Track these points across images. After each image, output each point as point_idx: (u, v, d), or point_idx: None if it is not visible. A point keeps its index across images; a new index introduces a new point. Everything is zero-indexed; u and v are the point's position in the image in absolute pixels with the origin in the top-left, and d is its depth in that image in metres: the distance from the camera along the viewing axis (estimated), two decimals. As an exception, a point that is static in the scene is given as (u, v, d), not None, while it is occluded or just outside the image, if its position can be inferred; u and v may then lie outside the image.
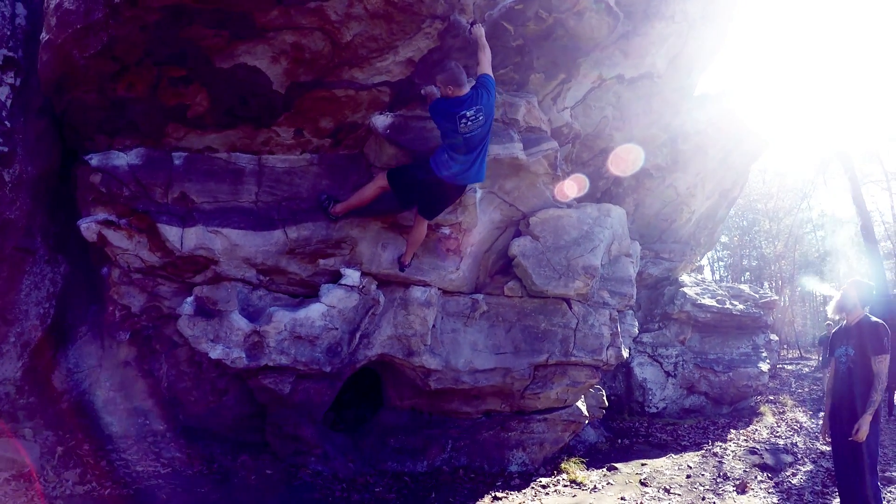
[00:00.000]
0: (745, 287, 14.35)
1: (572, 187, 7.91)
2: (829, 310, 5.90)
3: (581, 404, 8.00)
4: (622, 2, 7.11)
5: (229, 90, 5.79)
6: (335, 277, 6.64)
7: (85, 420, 6.63)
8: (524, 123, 6.90)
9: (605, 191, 9.63)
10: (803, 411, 12.28)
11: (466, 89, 5.57)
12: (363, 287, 6.60)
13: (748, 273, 28.29)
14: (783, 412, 12.19)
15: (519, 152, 6.66)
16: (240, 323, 6.27)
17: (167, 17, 5.09)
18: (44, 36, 5.50)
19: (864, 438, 5.09)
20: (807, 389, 15.62)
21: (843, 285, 5.87)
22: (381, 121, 6.24)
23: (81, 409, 6.72)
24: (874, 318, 5.47)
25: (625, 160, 9.08)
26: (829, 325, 14.34)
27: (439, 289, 7.01)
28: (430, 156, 5.86)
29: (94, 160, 5.98)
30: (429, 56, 5.80)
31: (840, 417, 5.42)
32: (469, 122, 5.52)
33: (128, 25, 5.06)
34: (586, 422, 8.14)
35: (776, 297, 14.38)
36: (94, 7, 5.01)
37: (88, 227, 6.08)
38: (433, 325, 6.95)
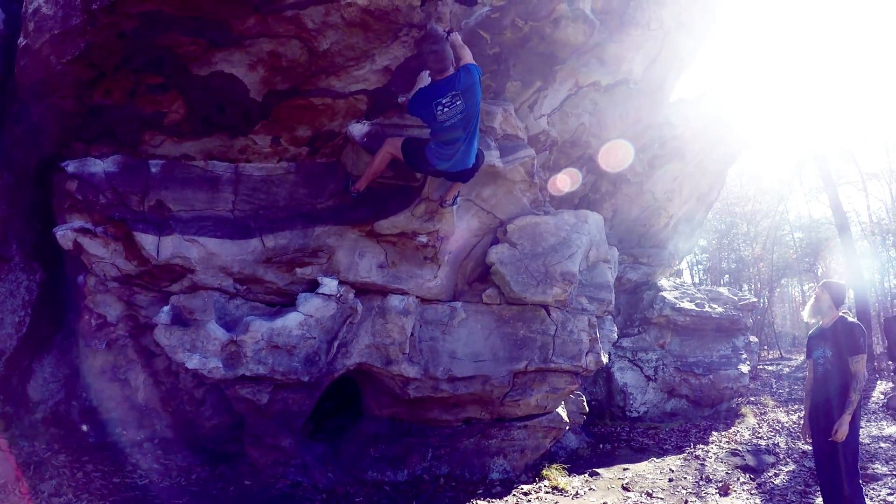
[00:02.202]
0: (723, 290, 14.44)
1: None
2: (805, 314, 5.97)
3: (561, 410, 8.02)
4: (598, 9, 7.17)
5: (206, 98, 5.78)
6: (312, 286, 6.61)
7: (61, 430, 6.57)
8: (501, 131, 6.91)
9: (582, 197, 9.68)
10: (784, 411, 12.38)
11: (445, 76, 5.46)
12: (340, 296, 6.58)
13: (727, 276, 28.54)
14: (764, 413, 12.29)
15: (496, 160, 6.67)
16: (217, 332, 6.22)
17: (145, 25, 5.08)
18: (21, 41, 5.46)
19: (844, 438, 5.17)
20: (787, 390, 15.75)
21: (816, 288, 5.95)
22: (358, 129, 6.22)
23: (58, 418, 6.67)
24: (850, 319, 5.56)
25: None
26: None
27: (417, 297, 7.00)
28: (425, 149, 5.76)
29: (71, 167, 5.94)
30: (405, 64, 5.79)
31: (820, 418, 5.49)
32: (445, 109, 5.41)
33: (105, 32, 5.05)
34: (567, 428, 8.16)
35: (755, 300, 14.52)
36: (71, 13, 5.00)
37: (64, 235, 6.02)
38: (411, 334, 6.93)
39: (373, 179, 6.21)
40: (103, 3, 4.90)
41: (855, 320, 5.61)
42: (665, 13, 8.08)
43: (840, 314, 5.61)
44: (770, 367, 20.80)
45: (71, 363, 6.86)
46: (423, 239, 6.67)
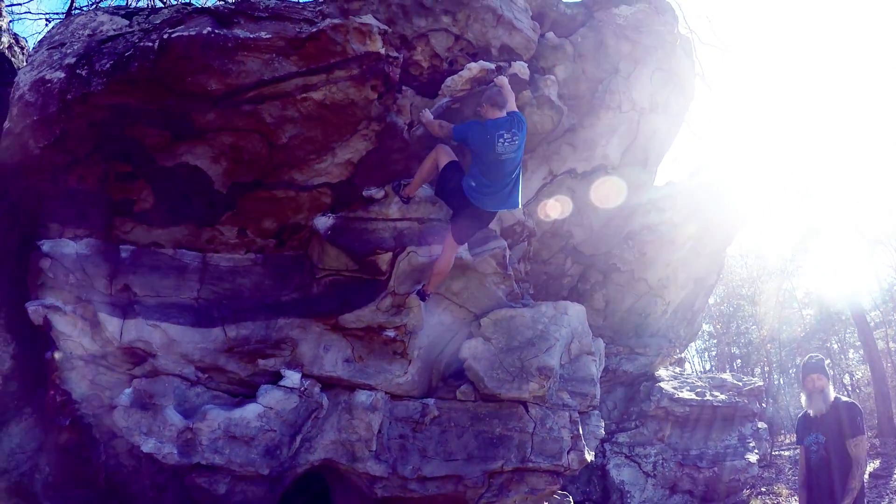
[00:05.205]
0: (727, 376, 13.93)
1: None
2: (803, 400, 5.44)
3: (545, 511, 7.60)
4: (567, 94, 7.16)
5: (172, 188, 5.97)
6: (276, 378, 6.45)
7: (24, 502, 6.48)
8: (471, 223, 6.79)
9: (571, 288, 9.39)
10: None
11: (503, 114, 5.65)
12: (304, 389, 6.38)
13: (739, 360, 27.83)
14: (777, 503, 11.65)
15: (463, 252, 6.51)
16: (173, 418, 6.14)
17: (113, 115, 5.40)
18: (6, 124, 5.80)
19: None
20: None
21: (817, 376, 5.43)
22: (323, 222, 6.22)
23: (21, 490, 6.59)
24: (845, 398, 5.15)
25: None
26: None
27: (386, 392, 6.74)
28: (462, 182, 5.81)
29: (45, 246, 6.18)
30: (367, 158, 5.84)
31: None
32: (506, 144, 5.56)
33: (78, 120, 5.42)
34: (551, 531, 7.72)
35: (761, 384, 13.98)
36: (49, 101, 5.41)
37: (36, 311, 6.17)
38: (379, 431, 6.64)
39: (424, 181, 6.15)
40: (76, 94, 5.34)
41: (850, 399, 5.18)
42: (637, 95, 7.94)
43: (835, 394, 5.19)
44: (786, 453, 19.97)
45: (37, 437, 6.81)
46: (391, 333, 6.48)
